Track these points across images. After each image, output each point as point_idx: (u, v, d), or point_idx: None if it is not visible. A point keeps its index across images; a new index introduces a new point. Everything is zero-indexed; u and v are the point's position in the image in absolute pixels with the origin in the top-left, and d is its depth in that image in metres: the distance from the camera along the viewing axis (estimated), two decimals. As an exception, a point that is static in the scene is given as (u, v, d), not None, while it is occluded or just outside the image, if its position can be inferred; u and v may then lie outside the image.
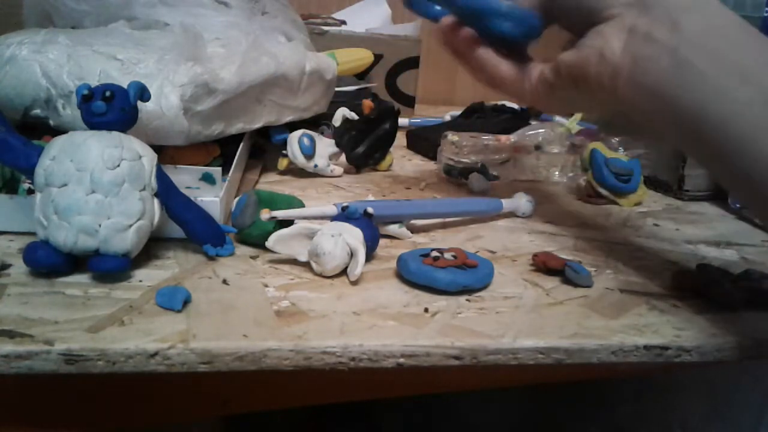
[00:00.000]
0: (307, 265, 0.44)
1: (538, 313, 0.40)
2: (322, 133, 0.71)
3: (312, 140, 0.66)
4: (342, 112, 0.69)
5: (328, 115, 0.73)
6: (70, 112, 0.51)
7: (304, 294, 0.40)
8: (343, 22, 1.03)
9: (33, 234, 0.40)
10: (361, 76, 0.98)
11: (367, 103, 0.71)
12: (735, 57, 0.36)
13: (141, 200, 0.40)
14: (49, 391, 0.37)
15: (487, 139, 0.71)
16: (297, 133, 0.66)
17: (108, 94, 0.41)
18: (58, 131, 0.46)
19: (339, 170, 0.69)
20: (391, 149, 0.73)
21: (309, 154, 0.66)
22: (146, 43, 0.53)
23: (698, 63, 0.36)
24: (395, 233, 0.51)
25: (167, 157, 0.54)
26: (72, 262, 0.40)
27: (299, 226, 0.44)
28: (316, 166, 0.66)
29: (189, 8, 0.59)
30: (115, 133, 0.41)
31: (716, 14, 0.38)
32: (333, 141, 0.69)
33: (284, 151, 0.66)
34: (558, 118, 1.00)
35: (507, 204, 0.59)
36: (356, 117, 0.69)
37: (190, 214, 0.44)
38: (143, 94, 0.43)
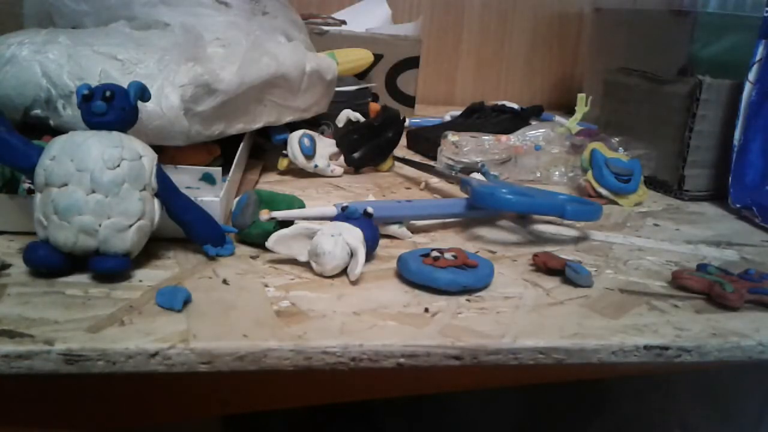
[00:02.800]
0: (307, 265, 0.44)
1: (539, 313, 0.40)
2: (322, 133, 0.71)
3: (312, 140, 0.66)
4: (346, 114, 0.69)
5: (328, 115, 0.73)
6: (71, 112, 0.51)
7: (304, 294, 0.40)
8: (343, 22, 1.03)
9: (33, 234, 0.40)
10: (361, 76, 0.98)
11: (375, 107, 0.70)
12: None
13: (141, 200, 0.40)
14: (49, 391, 0.37)
15: (487, 139, 0.72)
16: (297, 133, 0.66)
17: (108, 94, 0.41)
18: (58, 131, 0.46)
19: (339, 170, 0.69)
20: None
21: (309, 154, 0.66)
22: (146, 43, 0.53)
23: None
24: (395, 233, 0.51)
25: (167, 157, 0.54)
26: (72, 262, 0.40)
27: (299, 226, 0.44)
28: (316, 166, 0.66)
29: (189, 8, 0.59)
30: (116, 133, 0.41)
31: None
32: (333, 141, 0.69)
33: (284, 151, 0.66)
34: (558, 118, 1.00)
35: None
36: (361, 118, 0.69)
37: (191, 214, 0.44)
38: (143, 94, 0.43)
